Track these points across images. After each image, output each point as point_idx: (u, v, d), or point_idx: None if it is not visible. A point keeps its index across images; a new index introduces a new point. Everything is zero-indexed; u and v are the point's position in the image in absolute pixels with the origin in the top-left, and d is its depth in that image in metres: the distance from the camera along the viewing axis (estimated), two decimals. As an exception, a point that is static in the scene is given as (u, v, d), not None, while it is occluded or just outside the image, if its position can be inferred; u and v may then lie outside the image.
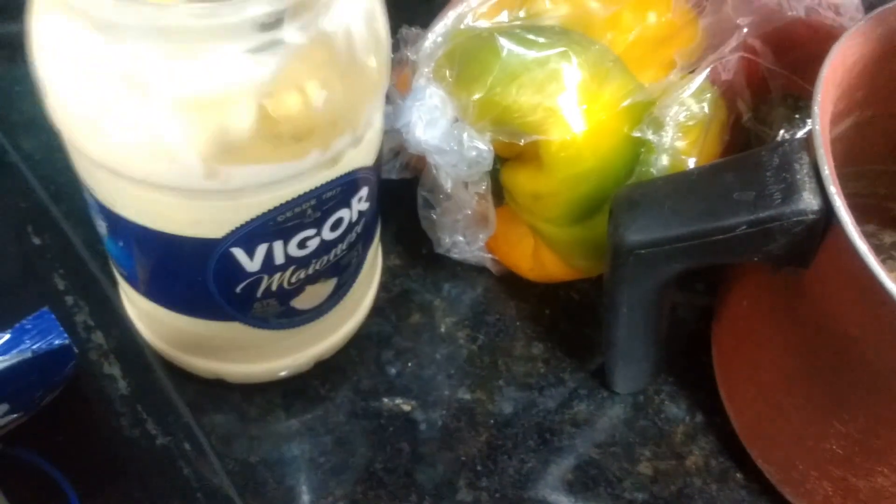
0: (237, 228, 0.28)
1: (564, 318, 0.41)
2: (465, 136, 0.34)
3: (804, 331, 0.32)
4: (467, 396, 0.39)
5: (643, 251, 0.31)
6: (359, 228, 0.33)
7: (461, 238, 0.38)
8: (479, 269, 0.42)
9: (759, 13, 0.36)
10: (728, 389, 0.37)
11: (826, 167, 0.28)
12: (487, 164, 0.34)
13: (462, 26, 0.34)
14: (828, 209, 0.28)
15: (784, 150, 0.30)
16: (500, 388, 0.39)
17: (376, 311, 0.41)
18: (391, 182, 0.39)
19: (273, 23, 0.24)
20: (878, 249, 0.44)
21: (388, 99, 0.37)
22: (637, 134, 0.34)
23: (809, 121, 0.33)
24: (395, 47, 0.37)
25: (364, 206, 0.32)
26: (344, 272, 0.34)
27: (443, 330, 0.41)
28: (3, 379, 0.31)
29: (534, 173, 0.34)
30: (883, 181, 0.42)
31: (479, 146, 0.33)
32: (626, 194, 0.32)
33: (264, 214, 0.28)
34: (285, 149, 0.26)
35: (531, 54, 0.32)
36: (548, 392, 0.39)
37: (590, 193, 0.34)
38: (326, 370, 0.39)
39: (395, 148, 0.37)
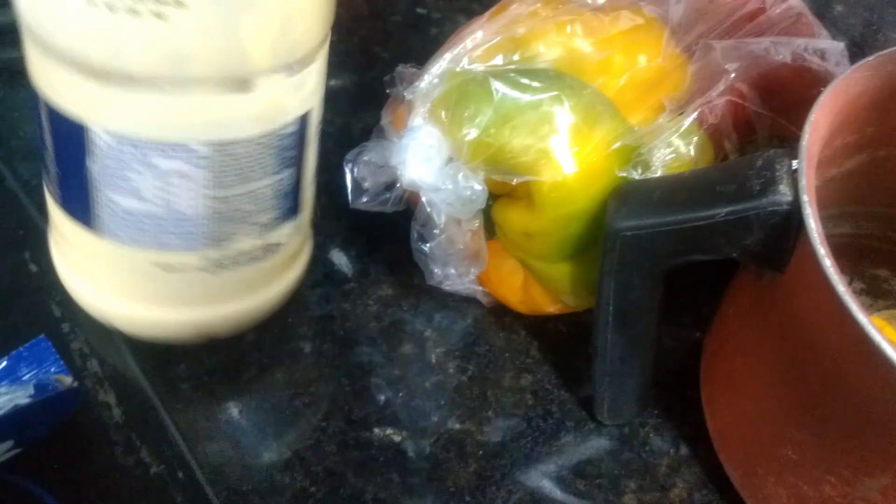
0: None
1: (553, 351, 0.42)
2: (459, 175, 0.34)
3: (775, 336, 0.33)
4: (457, 426, 0.39)
5: (629, 233, 0.33)
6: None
7: (453, 271, 0.39)
8: (470, 301, 0.43)
9: (746, 59, 0.37)
10: (707, 393, 0.39)
11: (802, 164, 0.30)
12: (481, 203, 0.35)
13: (458, 68, 0.35)
14: (799, 203, 0.29)
15: (768, 155, 0.32)
16: (490, 418, 0.40)
17: (368, 340, 0.41)
18: (385, 214, 0.39)
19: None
20: (886, 294, 0.45)
21: (384, 135, 0.38)
22: (625, 175, 0.35)
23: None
24: (391, 84, 0.38)
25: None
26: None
27: (433, 360, 0.41)
28: (14, 419, 0.32)
29: (525, 212, 0.35)
30: (897, 225, 0.43)
31: (474, 186, 0.34)
32: (621, 187, 0.34)
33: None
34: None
35: (524, 97, 0.33)
36: (535, 423, 0.40)
37: (580, 232, 0.35)
38: (319, 399, 0.39)
39: (390, 182, 0.38)
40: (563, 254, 0.36)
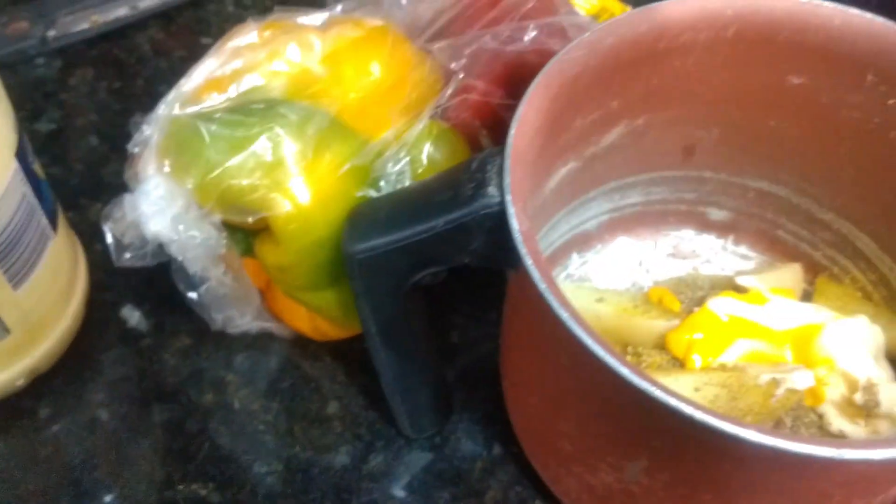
0: None
1: (360, 371, 0.41)
2: (195, 221, 0.33)
3: (524, 330, 0.33)
4: (263, 470, 0.38)
5: (363, 256, 0.32)
6: None
7: (232, 313, 0.38)
8: (272, 336, 0.42)
9: (474, 54, 0.36)
10: (505, 390, 0.38)
11: (507, 162, 0.29)
12: (220, 247, 0.34)
13: (175, 113, 0.33)
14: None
15: (483, 156, 0.31)
16: (297, 455, 0.39)
17: (167, 396, 0.40)
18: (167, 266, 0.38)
19: None
20: (692, 255, 0.45)
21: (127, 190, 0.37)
22: (363, 194, 0.34)
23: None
24: (129, 137, 0.37)
25: None
26: None
27: (237, 405, 0.40)
28: None
29: (273, 246, 0.34)
30: (686, 186, 0.43)
31: (208, 231, 0.33)
32: (353, 210, 0.34)
33: None
34: None
35: (237, 134, 0.32)
36: (344, 450, 0.39)
37: (329, 259, 0.34)
38: (118, 463, 0.38)
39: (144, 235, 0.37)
40: (320, 282, 0.35)
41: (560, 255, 0.42)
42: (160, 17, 0.55)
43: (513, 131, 0.30)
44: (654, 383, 0.25)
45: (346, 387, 0.41)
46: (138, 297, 0.43)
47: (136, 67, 0.53)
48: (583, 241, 0.42)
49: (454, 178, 0.31)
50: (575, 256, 0.42)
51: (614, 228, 0.43)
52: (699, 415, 0.25)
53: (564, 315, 0.26)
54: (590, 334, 0.26)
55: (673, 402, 0.25)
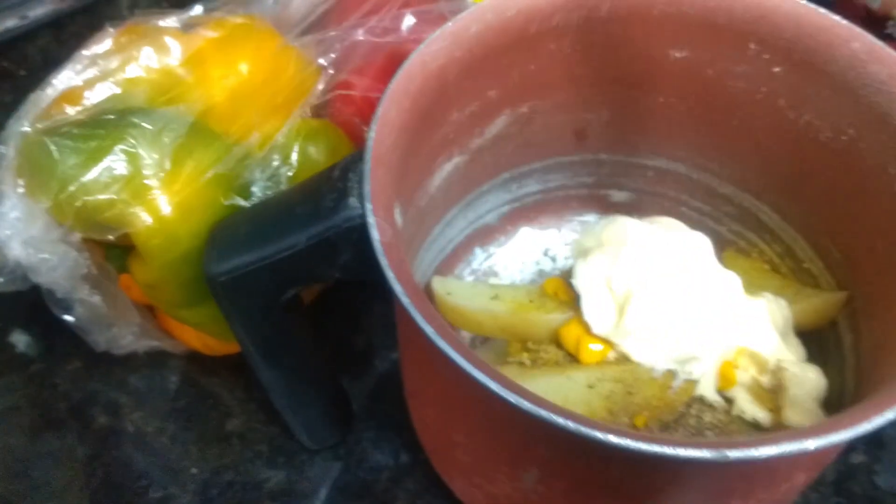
0: None
1: (257, 386, 0.40)
2: (50, 243, 0.32)
3: (406, 343, 0.31)
4: (159, 494, 0.37)
5: (224, 278, 0.30)
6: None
7: (115, 332, 0.36)
8: (168, 354, 0.40)
9: (347, 50, 0.34)
10: (408, 400, 0.36)
11: (367, 168, 0.27)
12: (83, 266, 0.32)
13: (23, 130, 0.32)
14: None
15: (344, 163, 0.29)
16: (194, 476, 0.37)
17: (58, 423, 0.38)
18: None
19: None
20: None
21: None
22: (231, 203, 0.32)
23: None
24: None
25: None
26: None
27: (132, 428, 0.39)
28: None
29: (140, 264, 0.32)
30: (584, 170, 0.41)
31: (65, 252, 0.31)
32: (213, 229, 0.32)
33: None
34: None
35: (87, 148, 0.30)
36: (244, 468, 0.38)
37: (200, 273, 0.32)
38: (5, 497, 0.36)
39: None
40: (193, 298, 0.33)
41: (462, 250, 0.40)
42: (51, 25, 0.53)
43: (372, 134, 0.28)
44: (521, 392, 0.23)
45: (245, 402, 0.39)
46: (27, 320, 0.41)
47: (26, 79, 0.51)
48: (485, 235, 0.41)
49: (316, 188, 0.29)
50: (478, 251, 0.41)
51: (516, 219, 0.41)
52: (566, 422, 0.23)
53: (429, 329, 0.24)
54: (455, 347, 0.24)
55: (542, 411, 0.23)
